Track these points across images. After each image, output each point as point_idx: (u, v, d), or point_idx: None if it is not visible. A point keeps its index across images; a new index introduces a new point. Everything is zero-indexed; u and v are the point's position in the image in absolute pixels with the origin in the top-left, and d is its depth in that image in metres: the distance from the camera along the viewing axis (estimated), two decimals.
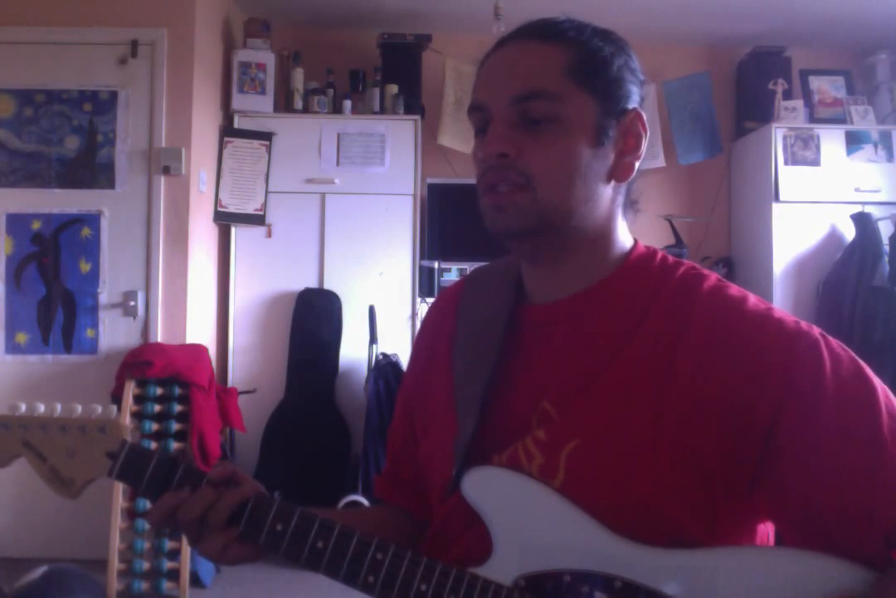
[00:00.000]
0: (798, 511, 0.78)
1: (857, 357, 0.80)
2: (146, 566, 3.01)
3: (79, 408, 0.89)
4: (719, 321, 0.82)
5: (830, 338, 0.81)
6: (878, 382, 0.79)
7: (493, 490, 0.83)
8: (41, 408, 0.90)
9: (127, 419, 3.01)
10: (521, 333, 0.92)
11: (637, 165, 0.89)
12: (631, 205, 0.93)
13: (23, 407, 0.90)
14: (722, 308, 0.83)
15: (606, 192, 0.88)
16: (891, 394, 0.79)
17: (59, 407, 0.90)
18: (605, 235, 0.90)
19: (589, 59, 0.85)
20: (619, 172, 0.88)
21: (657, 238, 4.21)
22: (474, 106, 0.88)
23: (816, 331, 0.81)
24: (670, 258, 0.92)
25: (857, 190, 4.05)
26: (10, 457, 0.90)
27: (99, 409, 0.90)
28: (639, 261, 0.90)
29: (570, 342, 0.88)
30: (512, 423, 0.87)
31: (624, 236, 0.92)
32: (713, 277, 0.88)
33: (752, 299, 0.84)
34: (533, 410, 0.86)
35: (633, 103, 0.88)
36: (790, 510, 0.79)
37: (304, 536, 0.83)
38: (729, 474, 0.79)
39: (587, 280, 0.89)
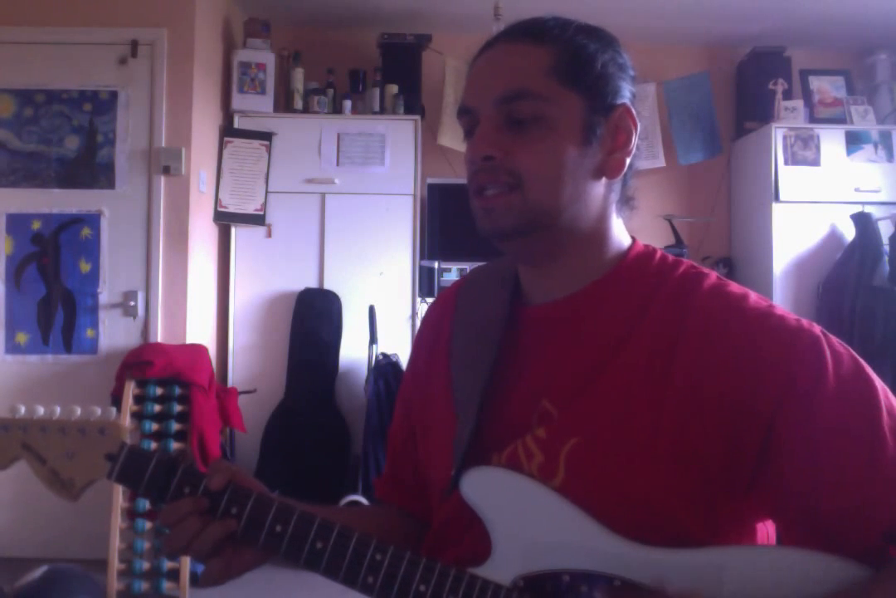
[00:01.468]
0: (797, 508, 0.78)
1: (857, 356, 0.80)
2: (146, 566, 3.01)
3: (78, 410, 0.89)
4: (719, 319, 0.82)
5: (831, 336, 0.81)
6: (878, 380, 0.79)
7: (491, 490, 0.83)
8: (41, 410, 0.90)
9: (127, 419, 3.01)
10: (519, 333, 0.92)
11: (628, 160, 0.88)
12: (626, 202, 0.92)
13: (22, 409, 0.90)
14: (722, 306, 0.83)
15: (597, 189, 0.88)
16: (890, 393, 0.79)
17: (58, 409, 0.90)
18: (599, 233, 0.89)
19: (573, 57, 0.85)
20: (609, 169, 0.87)
21: (657, 238, 4.21)
22: (462, 109, 0.89)
23: (817, 329, 0.81)
24: (670, 257, 0.91)
25: (857, 190, 4.04)
26: (10, 459, 0.90)
27: (98, 411, 0.89)
28: (637, 259, 0.90)
29: (570, 342, 0.88)
30: (511, 422, 0.87)
31: (620, 235, 0.92)
32: (713, 275, 0.88)
33: (753, 297, 0.84)
34: (532, 409, 0.86)
35: (621, 99, 0.87)
36: (789, 506, 0.79)
37: (304, 537, 0.83)
38: (729, 472, 0.79)
39: (585, 279, 0.89)
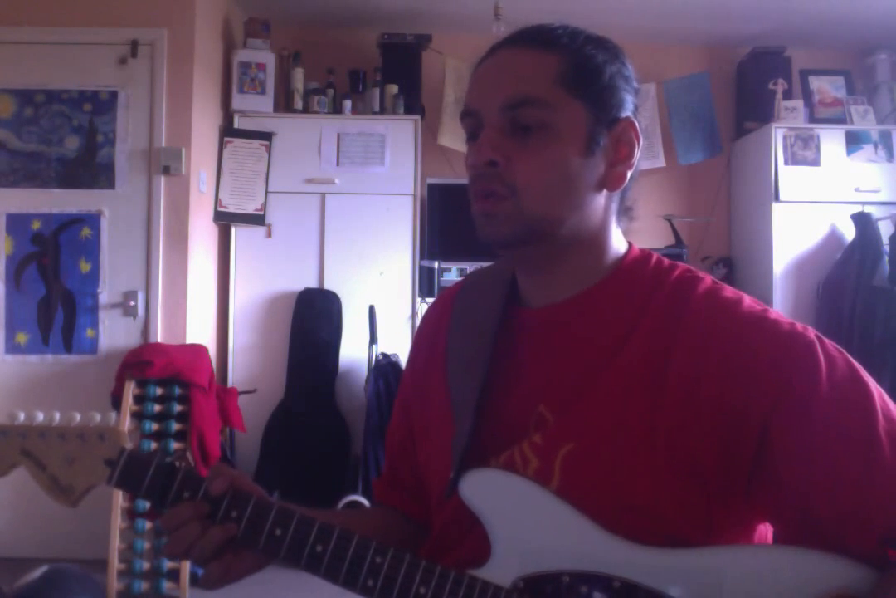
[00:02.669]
0: (793, 512, 0.78)
1: (852, 359, 0.80)
2: (146, 566, 3.01)
3: (77, 416, 0.89)
4: (714, 324, 0.82)
5: (826, 340, 0.81)
6: (873, 384, 0.79)
7: (491, 492, 0.84)
8: (40, 416, 0.89)
9: (127, 419, 3.01)
10: (515, 336, 0.92)
11: (629, 174, 0.88)
12: (625, 212, 0.93)
13: (21, 416, 0.89)
14: (716, 310, 0.83)
15: (598, 200, 0.88)
16: (886, 396, 0.79)
17: (57, 415, 0.90)
18: (598, 241, 0.90)
19: (581, 67, 0.85)
20: (610, 182, 0.87)
21: (657, 238, 4.21)
22: (466, 112, 0.88)
23: (812, 333, 0.81)
24: (665, 261, 0.91)
25: (857, 190, 4.04)
26: (9, 466, 0.90)
27: (98, 416, 0.89)
28: (633, 264, 0.90)
29: (566, 346, 0.88)
30: (509, 427, 0.87)
31: (618, 241, 0.92)
32: (708, 279, 0.88)
33: (748, 301, 0.85)
34: (529, 414, 0.86)
35: (625, 112, 0.87)
36: (785, 510, 0.79)
37: (303, 540, 0.83)
38: (725, 476, 0.79)
39: (581, 284, 0.89)
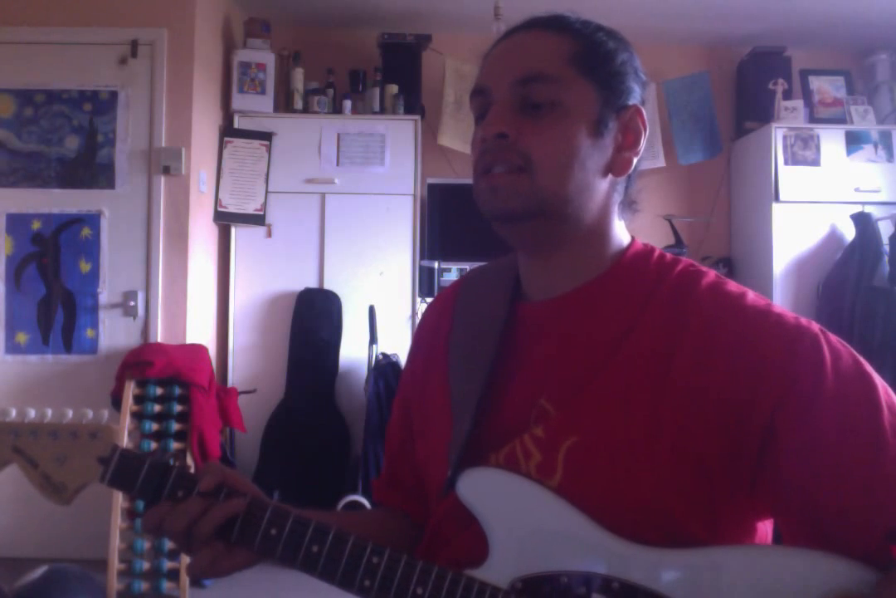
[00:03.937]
0: (798, 507, 0.78)
1: (856, 353, 0.80)
2: (146, 566, 3.01)
3: (70, 413, 0.89)
4: (718, 318, 0.81)
5: (830, 334, 0.81)
6: (877, 378, 0.79)
7: (488, 491, 0.83)
8: (32, 413, 0.89)
9: (127, 419, 3.01)
10: (517, 331, 0.91)
11: (635, 161, 0.89)
12: (629, 205, 0.93)
13: (13, 412, 0.89)
14: (720, 304, 0.83)
15: (603, 185, 0.88)
16: (890, 390, 0.79)
17: (49, 412, 0.89)
18: (600, 229, 0.89)
19: (592, 50, 0.86)
20: (616, 167, 0.87)
21: (657, 238, 4.21)
22: (476, 90, 0.88)
23: (816, 327, 0.81)
24: (668, 256, 0.91)
25: (857, 190, 4.04)
26: (1, 463, 0.89)
27: (90, 413, 0.89)
28: (636, 258, 0.90)
29: (568, 339, 0.88)
30: (509, 421, 0.87)
31: (621, 234, 0.92)
32: (711, 273, 0.88)
33: (751, 296, 0.84)
34: (530, 407, 0.86)
35: (633, 100, 0.88)
36: (791, 506, 0.79)
37: (299, 540, 0.82)
38: (729, 471, 0.78)
39: (583, 277, 0.89)
